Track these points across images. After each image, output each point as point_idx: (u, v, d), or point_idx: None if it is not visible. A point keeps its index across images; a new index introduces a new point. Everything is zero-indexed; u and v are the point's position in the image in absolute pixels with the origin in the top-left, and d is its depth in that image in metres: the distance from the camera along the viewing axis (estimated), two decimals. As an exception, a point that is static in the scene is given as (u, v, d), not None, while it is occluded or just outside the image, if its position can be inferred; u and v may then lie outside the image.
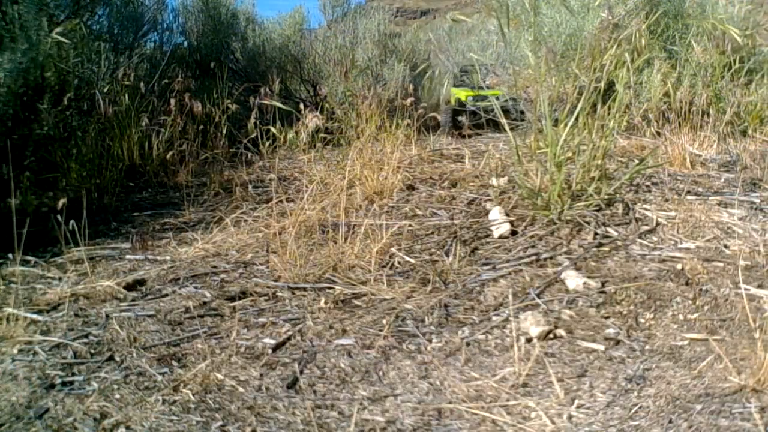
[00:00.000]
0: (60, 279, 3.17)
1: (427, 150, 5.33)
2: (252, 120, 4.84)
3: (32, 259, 3.28)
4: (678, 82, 4.82)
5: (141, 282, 3.14)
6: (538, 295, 2.67)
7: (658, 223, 3.30)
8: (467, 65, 8.10)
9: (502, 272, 2.94)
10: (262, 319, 2.74)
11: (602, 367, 2.22)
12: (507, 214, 3.54)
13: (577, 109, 3.53)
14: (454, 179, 4.47)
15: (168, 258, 3.43)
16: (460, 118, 6.82)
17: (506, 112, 6.42)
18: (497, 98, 6.07)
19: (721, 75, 4.81)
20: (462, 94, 6.91)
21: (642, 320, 2.47)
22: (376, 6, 9.07)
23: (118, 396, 2.21)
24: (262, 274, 3.19)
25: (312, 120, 5.25)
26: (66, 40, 4.28)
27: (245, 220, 3.77)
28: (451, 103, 7.13)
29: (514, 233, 3.35)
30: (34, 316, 2.76)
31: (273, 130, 5.00)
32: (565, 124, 3.44)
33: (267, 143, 4.99)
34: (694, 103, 4.76)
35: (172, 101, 4.98)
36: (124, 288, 3.03)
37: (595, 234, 3.23)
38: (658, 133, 4.67)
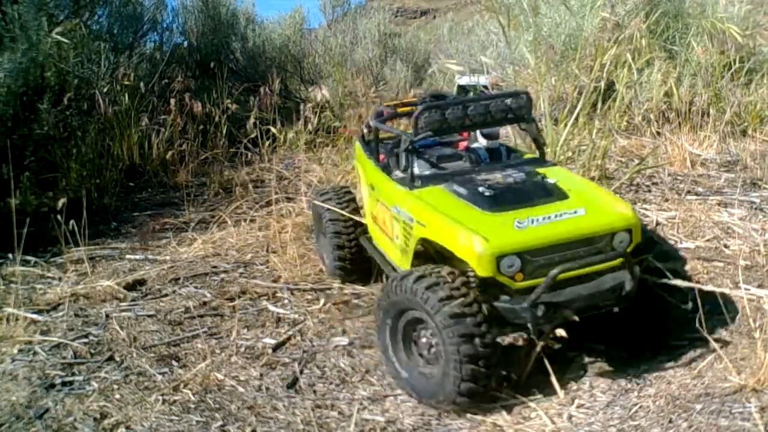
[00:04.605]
0: (60, 279, 3.16)
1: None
2: (252, 120, 4.84)
3: (32, 259, 3.27)
4: (678, 82, 4.82)
5: (141, 282, 3.15)
6: (538, 295, 2.66)
7: (658, 223, 3.30)
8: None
9: (502, 272, 2.93)
10: (262, 319, 2.74)
11: (602, 366, 2.23)
12: (507, 214, 3.52)
13: (577, 109, 3.53)
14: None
15: (168, 258, 3.43)
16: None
17: None
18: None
19: (721, 75, 4.80)
20: None
21: (642, 320, 2.46)
22: (376, 6, 9.08)
23: (118, 396, 2.21)
24: (262, 274, 3.19)
25: (320, 93, 5.25)
26: (66, 40, 4.28)
27: (245, 220, 3.77)
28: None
29: (514, 233, 3.32)
30: (34, 316, 2.75)
31: (273, 130, 5.00)
32: (565, 124, 3.44)
33: (267, 143, 4.99)
34: (694, 103, 4.75)
35: (172, 101, 4.98)
36: (124, 288, 3.03)
37: (595, 234, 3.22)
38: (658, 133, 4.66)
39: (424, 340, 2.06)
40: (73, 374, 2.35)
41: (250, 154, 4.93)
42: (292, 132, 5.16)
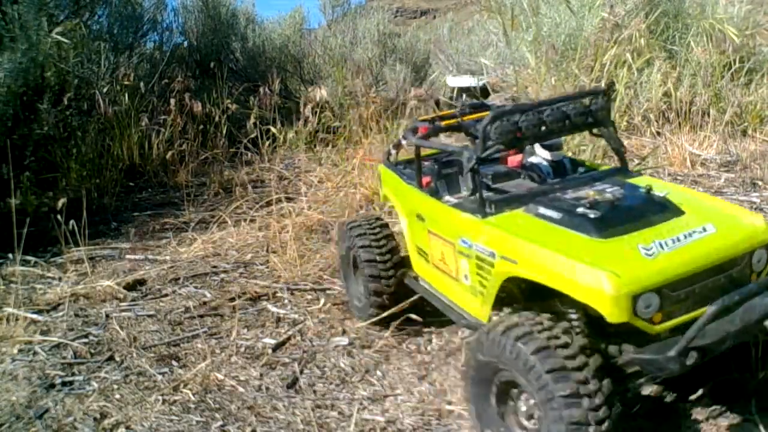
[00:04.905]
0: (60, 279, 3.17)
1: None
2: (252, 120, 4.84)
3: (32, 259, 3.28)
4: (678, 82, 4.81)
5: (141, 282, 3.15)
6: (538, 295, 2.66)
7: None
8: None
9: (502, 272, 2.93)
10: (262, 319, 2.74)
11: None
12: (507, 214, 3.52)
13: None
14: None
15: (168, 258, 3.43)
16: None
17: None
18: None
19: (720, 75, 4.80)
20: None
21: (642, 320, 2.46)
22: (375, 6, 9.08)
23: (118, 396, 2.21)
24: (262, 274, 3.19)
25: (319, 93, 5.25)
26: (66, 40, 4.28)
27: (245, 220, 3.77)
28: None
29: (513, 233, 3.31)
30: (34, 316, 2.76)
31: (273, 130, 5.00)
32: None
33: (267, 143, 4.99)
34: (694, 103, 4.75)
35: (172, 101, 4.98)
36: (124, 288, 3.03)
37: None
38: (658, 133, 4.66)
39: (524, 408, 1.65)
40: (73, 374, 2.36)
41: (250, 154, 4.93)
42: (292, 132, 5.16)
